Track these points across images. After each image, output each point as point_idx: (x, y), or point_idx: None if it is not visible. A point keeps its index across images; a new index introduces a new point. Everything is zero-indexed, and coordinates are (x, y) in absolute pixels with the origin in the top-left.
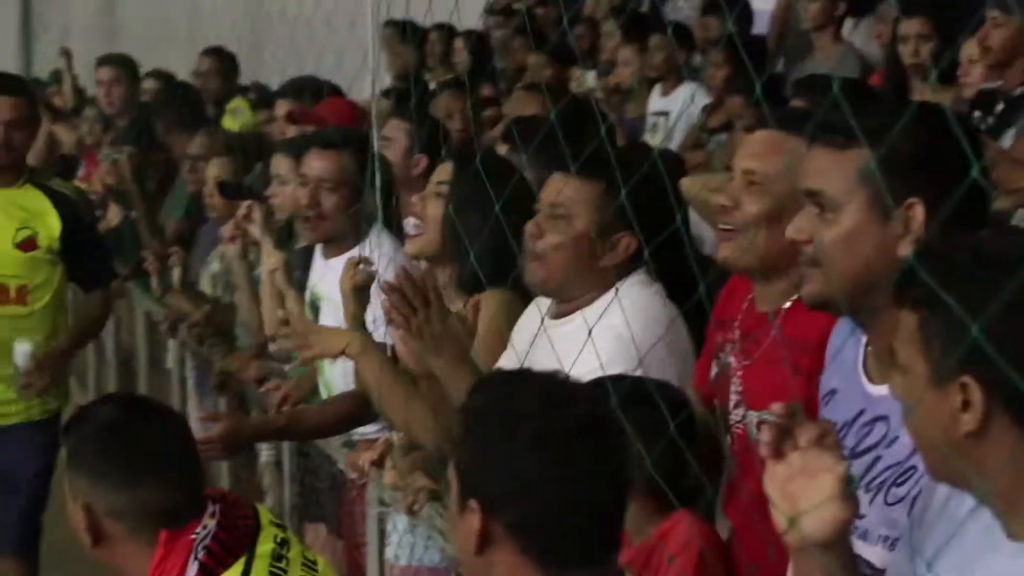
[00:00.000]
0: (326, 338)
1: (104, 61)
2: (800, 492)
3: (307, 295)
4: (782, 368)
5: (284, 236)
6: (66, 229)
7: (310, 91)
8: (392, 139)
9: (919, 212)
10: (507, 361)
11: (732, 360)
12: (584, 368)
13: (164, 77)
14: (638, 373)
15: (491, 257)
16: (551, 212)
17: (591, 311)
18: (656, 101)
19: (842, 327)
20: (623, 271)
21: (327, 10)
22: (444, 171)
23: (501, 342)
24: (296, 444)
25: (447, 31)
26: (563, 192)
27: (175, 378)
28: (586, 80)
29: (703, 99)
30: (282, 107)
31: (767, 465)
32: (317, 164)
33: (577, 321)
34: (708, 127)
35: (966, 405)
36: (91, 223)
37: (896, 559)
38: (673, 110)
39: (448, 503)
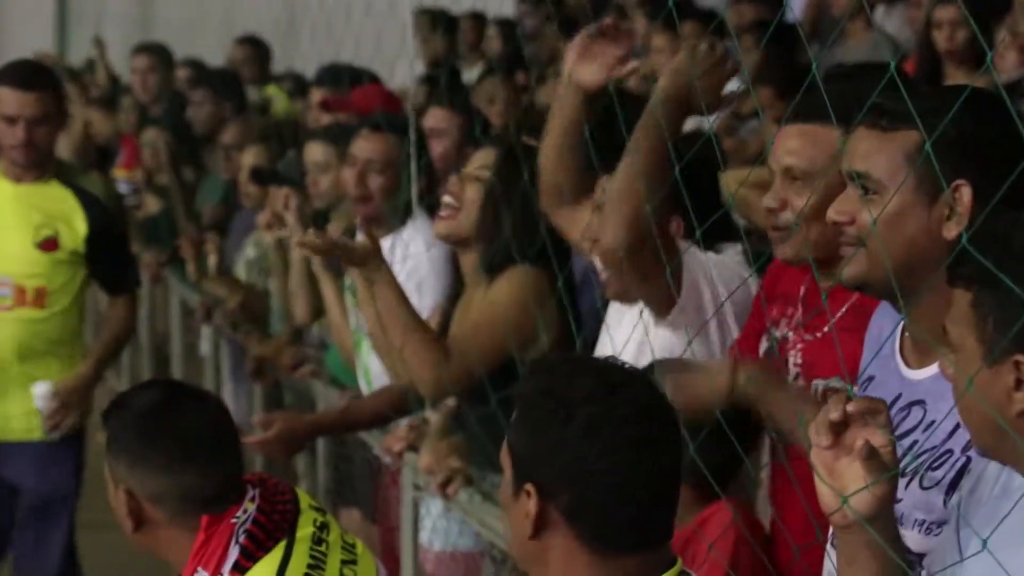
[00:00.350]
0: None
1: (140, 50)
2: (847, 468)
3: (347, 279)
4: (850, 337)
5: (320, 223)
6: (93, 231)
7: (347, 79)
8: (442, 131)
9: (966, 194)
10: (602, 349)
11: (790, 334)
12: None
13: (196, 66)
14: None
15: (520, 240)
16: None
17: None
18: None
19: (882, 312)
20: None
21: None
22: (485, 155)
23: (527, 316)
24: None
25: (478, 19)
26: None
27: (209, 364)
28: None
29: (734, 86)
30: (317, 95)
31: (815, 441)
32: (366, 146)
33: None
34: (740, 114)
35: (1019, 384)
36: (120, 226)
37: (940, 541)
38: None
39: (499, 486)
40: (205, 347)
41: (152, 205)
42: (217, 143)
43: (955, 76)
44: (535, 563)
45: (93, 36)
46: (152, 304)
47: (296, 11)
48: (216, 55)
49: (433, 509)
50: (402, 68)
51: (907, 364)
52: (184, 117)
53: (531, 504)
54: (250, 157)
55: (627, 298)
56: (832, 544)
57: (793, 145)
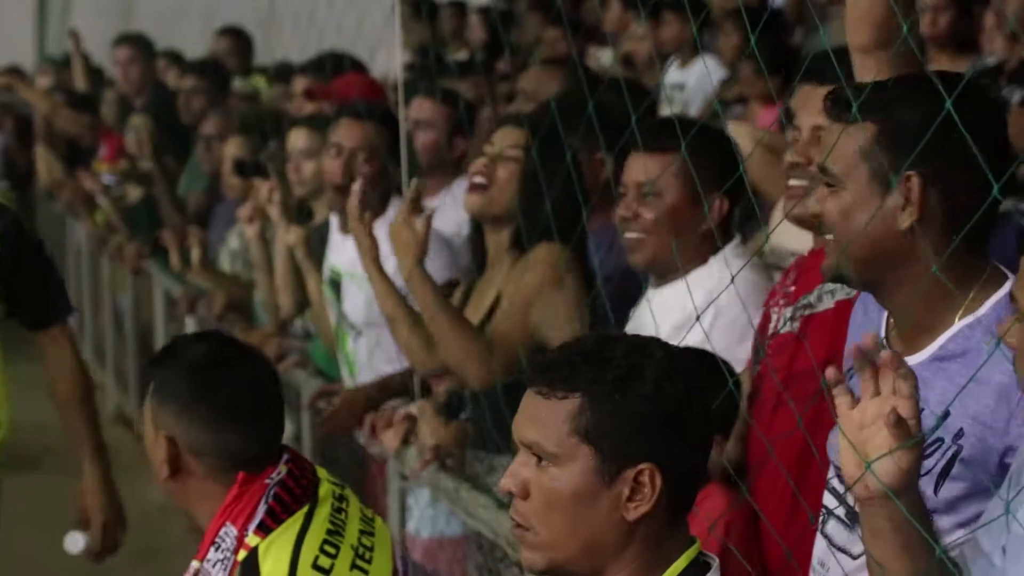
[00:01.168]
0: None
1: (121, 41)
2: (871, 437)
3: (325, 272)
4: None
5: (303, 213)
6: (4, 249)
7: (330, 67)
8: (428, 122)
9: (916, 185)
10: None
11: (790, 326)
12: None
13: (175, 58)
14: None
15: (554, 218)
16: (638, 192)
17: (691, 278)
18: (673, 73)
19: (864, 300)
20: (714, 240)
21: None
22: (510, 134)
23: (560, 291)
24: (315, 418)
25: (459, 7)
26: (648, 170)
27: None
28: (602, 57)
29: (719, 71)
30: (300, 83)
31: (841, 410)
32: (349, 134)
33: (676, 287)
34: (724, 99)
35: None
36: (37, 241)
37: (989, 514)
38: (689, 82)
39: (578, 479)
40: None
41: (133, 194)
42: (199, 133)
43: (939, 60)
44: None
45: (68, 29)
46: (136, 294)
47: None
48: (197, 47)
49: (421, 498)
50: (382, 55)
51: None
52: (168, 106)
53: (648, 481)
54: (232, 148)
55: (654, 266)
56: (821, 532)
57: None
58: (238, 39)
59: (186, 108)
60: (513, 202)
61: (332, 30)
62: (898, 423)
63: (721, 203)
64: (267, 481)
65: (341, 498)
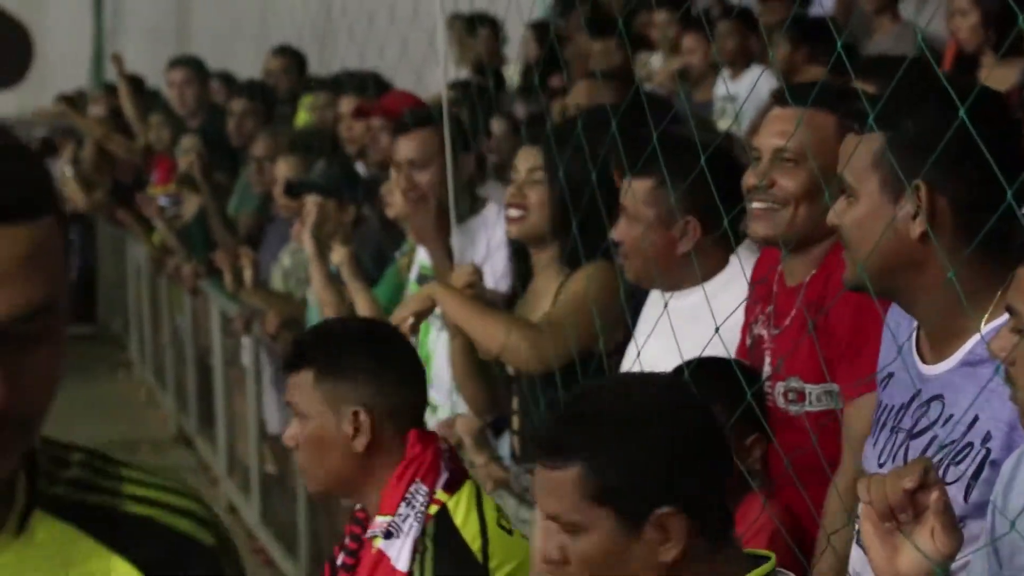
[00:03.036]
0: (409, 300)
1: (175, 63)
2: (903, 541)
3: (415, 270)
4: (808, 337)
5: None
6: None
7: (373, 85)
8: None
9: (925, 193)
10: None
11: (764, 332)
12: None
13: (227, 79)
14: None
15: (591, 232)
16: (625, 213)
17: (710, 286)
18: (723, 86)
19: (896, 310)
20: (718, 250)
21: (390, 3)
22: (532, 156)
23: (605, 308)
24: None
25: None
26: (627, 193)
27: (250, 374)
28: (651, 64)
29: (770, 83)
30: (347, 103)
31: (865, 510)
32: (402, 147)
33: (693, 297)
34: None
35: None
36: None
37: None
38: (741, 94)
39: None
40: (246, 357)
41: (190, 207)
42: (249, 155)
43: (988, 64)
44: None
45: (111, 54)
46: (194, 314)
47: (331, 19)
48: (253, 66)
49: None
50: (431, 75)
51: (923, 360)
52: (220, 128)
53: (672, 524)
54: (283, 168)
55: (647, 281)
56: (857, 542)
57: (787, 127)
58: (291, 57)
59: (237, 130)
60: (550, 221)
61: (388, 45)
62: (947, 507)
63: (694, 226)
64: (440, 445)
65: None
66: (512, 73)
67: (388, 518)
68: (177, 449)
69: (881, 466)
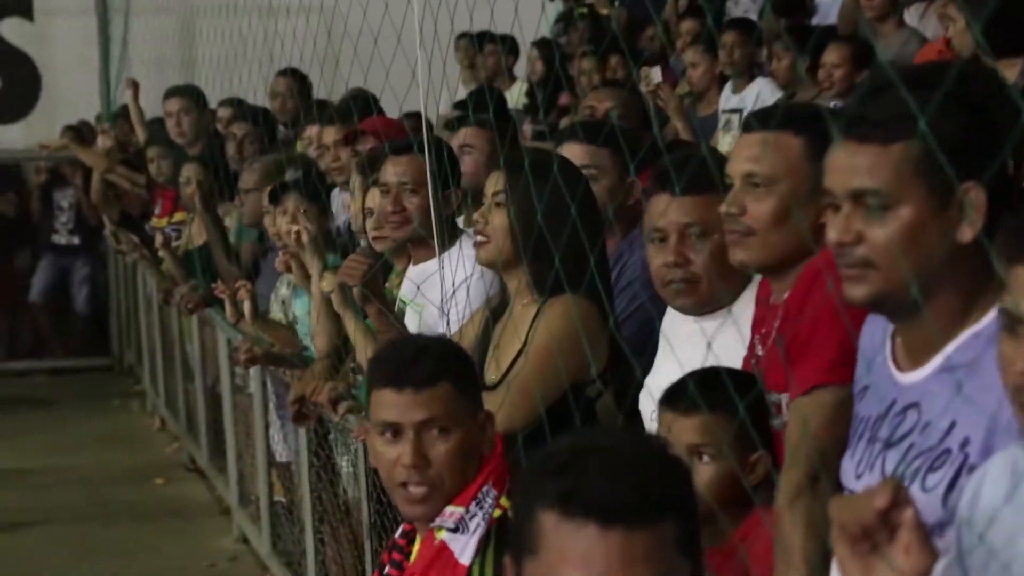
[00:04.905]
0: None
1: (171, 93)
2: (878, 561)
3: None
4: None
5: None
6: None
7: (360, 107)
8: (474, 147)
9: (978, 195)
10: (663, 355)
11: (761, 352)
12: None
13: (233, 104)
14: None
15: (569, 269)
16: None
17: (737, 306)
18: (728, 99)
19: (872, 322)
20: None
21: (375, 27)
22: (497, 180)
23: (579, 347)
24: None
25: (511, 41)
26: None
27: (257, 402)
28: (652, 77)
29: (775, 94)
30: (328, 135)
31: (838, 531)
32: (396, 169)
33: (719, 319)
34: None
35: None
36: None
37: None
38: (746, 107)
39: None
40: (252, 386)
41: (192, 235)
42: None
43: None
44: None
45: (124, 77)
46: (203, 344)
47: (334, 41)
48: (259, 91)
49: None
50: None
51: (899, 368)
52: (221, 155)
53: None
54: (266, 199)
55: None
56: None
57: (754, 152)
58: (296, 80)
59: (237, 153)
60: (513, 246)
61: (393, 68)
62: (921, 525)
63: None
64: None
65: None
66: (518, 92)
67: (461, 510)
68: (190, 480)
69: (859, 477)
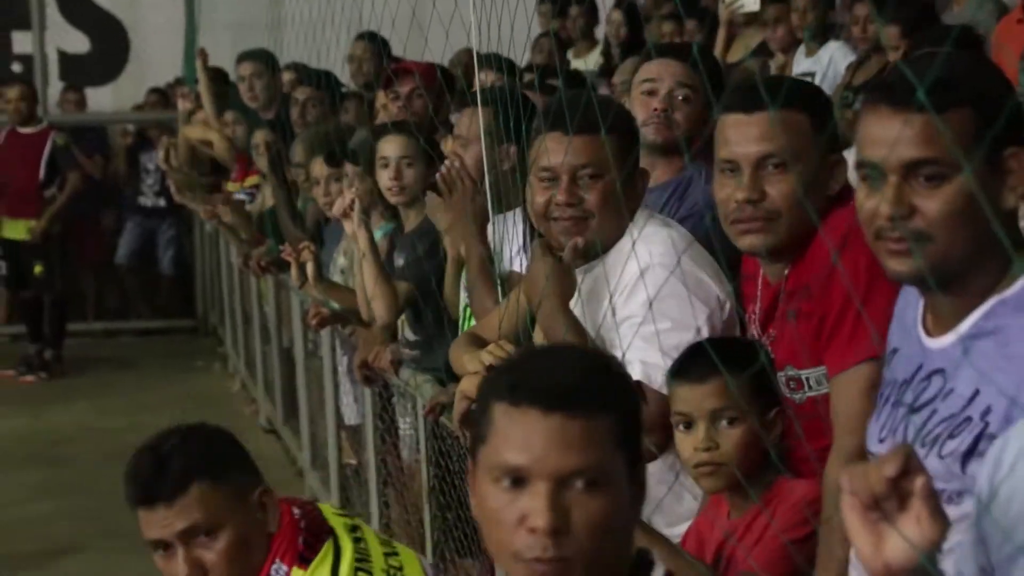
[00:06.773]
0: None
1: (243, 57)
2: (887, 528)
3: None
4: (792, 325)
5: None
6: None
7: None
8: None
9: (1020, 160)
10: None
11: (753, 331)
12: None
13: (299, 68)
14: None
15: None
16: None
17: (611, 254)
18: (801, 62)
19: (908, 289)
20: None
21: None
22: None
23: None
24: (432, 425)
25: (589, 4)
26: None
27: (327, 366)
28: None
29: (848, 57)
30: (319, 167)
31: (847, 502)
32: (393, 146)
33: (599, 268)
34: (854, 85)
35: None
36: None
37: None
38: (818, 70)
39: None
40: (323, 349)
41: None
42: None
43: None
44: None
45: (197, 48)
46: (278, 307)
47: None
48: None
49: None
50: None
51: (928, 333)
52: (289, 120)
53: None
54: (317, 168)
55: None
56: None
57: (765, 131)
58: (375, 43)
59: (300, 118)
60: None
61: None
62: (933, 493)
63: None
64: (295, 513)
65: (355, 528)
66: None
67: None
68: (267, 441)
69: (881, 441)
